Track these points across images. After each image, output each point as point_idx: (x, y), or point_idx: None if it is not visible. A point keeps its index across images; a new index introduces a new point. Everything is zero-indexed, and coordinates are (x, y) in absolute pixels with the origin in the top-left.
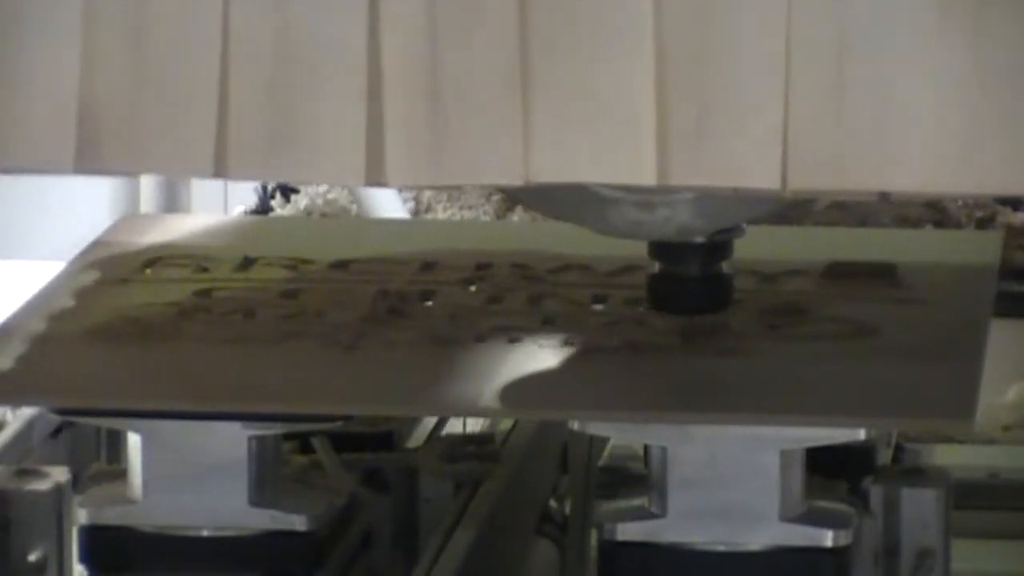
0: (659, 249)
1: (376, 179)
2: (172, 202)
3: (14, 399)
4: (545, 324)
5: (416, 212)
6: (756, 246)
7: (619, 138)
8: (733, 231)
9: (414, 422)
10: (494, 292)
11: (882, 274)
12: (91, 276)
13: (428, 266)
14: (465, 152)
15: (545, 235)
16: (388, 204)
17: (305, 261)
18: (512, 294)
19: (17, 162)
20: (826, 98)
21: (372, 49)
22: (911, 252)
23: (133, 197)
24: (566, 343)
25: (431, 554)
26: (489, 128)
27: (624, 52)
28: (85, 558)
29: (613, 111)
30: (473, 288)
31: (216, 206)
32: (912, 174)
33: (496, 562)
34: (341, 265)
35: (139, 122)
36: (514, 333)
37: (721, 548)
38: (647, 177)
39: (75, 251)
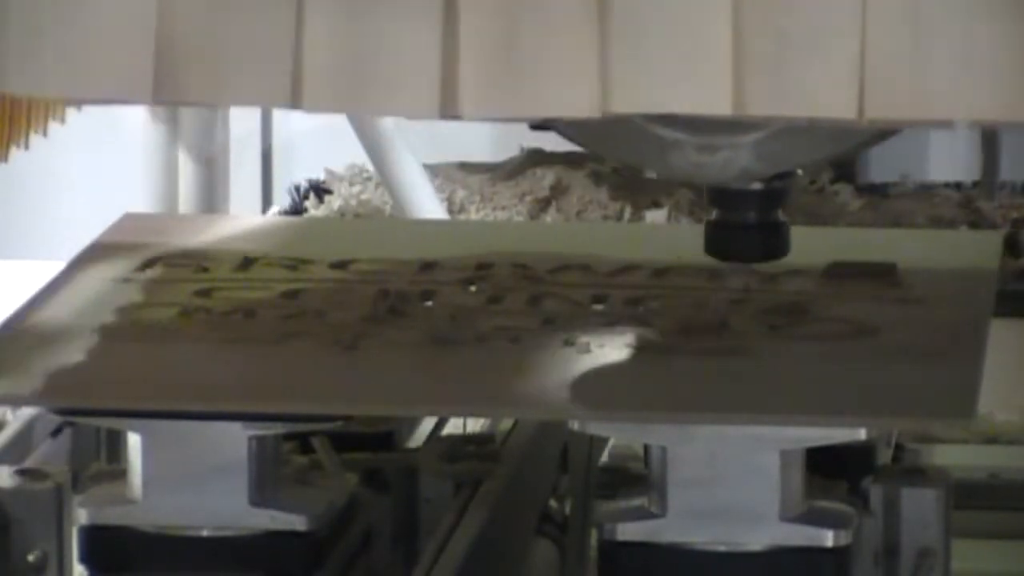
0: (717, 195)
1: (450, 112)
2: (210, 203)
3: (14, 399)
4: (545, 324)
5: (449, 213)
6: None
7: (695, 68)
8: (789, 176)
9: (414, 422)
10: (494, 292)
11: (882, 274)
12: (91, 276)
13: (428, 266)
14: (540, 85)
15: (545, 235)
16: (426, 204)
17: (305, 261)
18: (512, 294)
19: (96, 94)
20: (904, 26)
21: None
22: (911, 252)
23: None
24: (566, 343)
25: (431, 554)
26: (564, 60)
27: None
28: (85, 558)
29: (689, 41)
30: (473, 288)
31: (253, 207)
32: (991, 102)
33: (496, 562)
34: (341, 265)
35: (216, 52)
36: (514, 333)
37: (721, 548)
38: (723, 107)
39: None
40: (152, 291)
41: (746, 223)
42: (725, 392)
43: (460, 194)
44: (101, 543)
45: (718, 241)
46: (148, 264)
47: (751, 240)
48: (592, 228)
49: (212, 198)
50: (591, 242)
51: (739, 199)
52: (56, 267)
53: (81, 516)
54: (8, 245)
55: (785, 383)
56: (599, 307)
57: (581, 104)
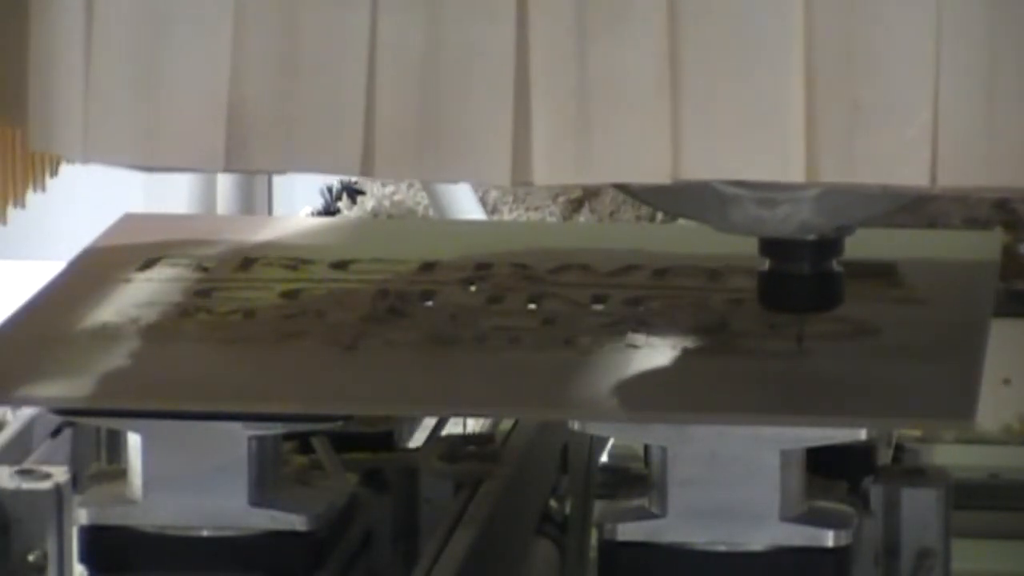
0: (770, 246)
1: (522, 178)
2: (248, 204)
3: (14, 399)
4: (545, 324)
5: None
6: (755, 245)
7: (768, 135)
8: (846, 228)
9: (414, 422)
10: (494, 292)
11: (882, 274)
12: (91, 276)
13: (428, 266)
14: (612, 151)
15: (545, 235)
16: (465, 205)
17: (305, 261)
18: (512, 294)
19: (168, 162)
20: (976, 95)
21: (520, 47)
22: (911, 252)
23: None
24: (566, 343)
25: (431, 554)
26: (636, 126)
27: (774, 49)
28: (85, 558)
29: (762, 108)
30: (473, 288)
31: (288, 208)
32: None
33: (496, 562)
34: (341, 265)
35: (288, 122)
36: (514, 333)
37: (721, 548)
38: (796, 175)
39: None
40: (152, 291)
41: (800, 273)
42: (725, 392)
43: (493, 195)
44: (101, 543)
45: (772, 291)
46: (148, 264)
47: (805, 290)
48: (592, 228)
49: (251, 198)
50: (591, 242)
51: (793, 250)
52: (56, 267)
53: (81, 516)
54: (8, 245)
55: (785, 383)
56: (599, 307)
57: (653, 170)
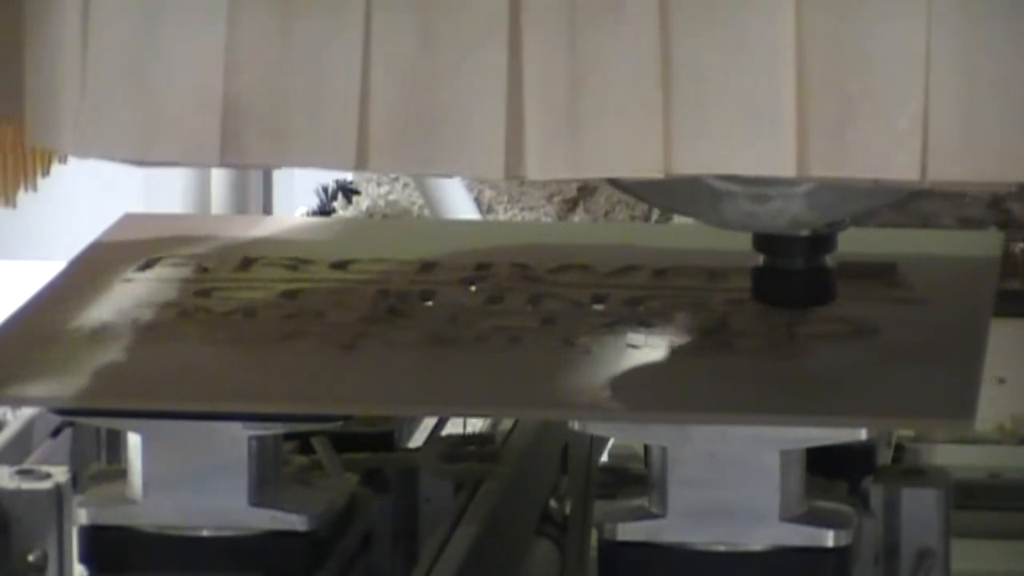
0: (764, 241)
1: (515, 172)
2: (243, 204)
3: (14, 399)
4: (545, 324)
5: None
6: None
7: (759, 130)
8: (838, 224)
9: (414, 422)
10: (494, 292)
11: (882, 274)
12: (91, 276)
13: (428, 266)
14: (604, 145)
15: (545, 235)
16: (460, 205)
17: (305, 261)
18: (512, 294)
19: (162, 157)
20: (967, 88)
21: (513, 42)
22: (911, 252)
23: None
24: (566, 343)
25: (431, 554)
26: (628, 121)
27: (765, 43)
28: (85, 558)
29: (753, 102)
30: (473, 288)
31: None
32: None
33: (496, 562)
34: (341, 265)
35: (282, 116)
36: (514, 333)
37: (721, 548)
38: (787, 169)
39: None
40: (152, 291)
41: (793, 269)
42: (725, 392)
43: (488, 195)
44: (101, 543)
45: (765, 286)
46: (148, 264)
47: (798, 285)
48: (591, 228)
49: (245, 198)
50: (590, 241)
51: (786, 245)
52: (56, 267)
53: (81, 516)
54: (8, 245)
55: (785, 383)
56: (599, 307)
57: (645, 165)
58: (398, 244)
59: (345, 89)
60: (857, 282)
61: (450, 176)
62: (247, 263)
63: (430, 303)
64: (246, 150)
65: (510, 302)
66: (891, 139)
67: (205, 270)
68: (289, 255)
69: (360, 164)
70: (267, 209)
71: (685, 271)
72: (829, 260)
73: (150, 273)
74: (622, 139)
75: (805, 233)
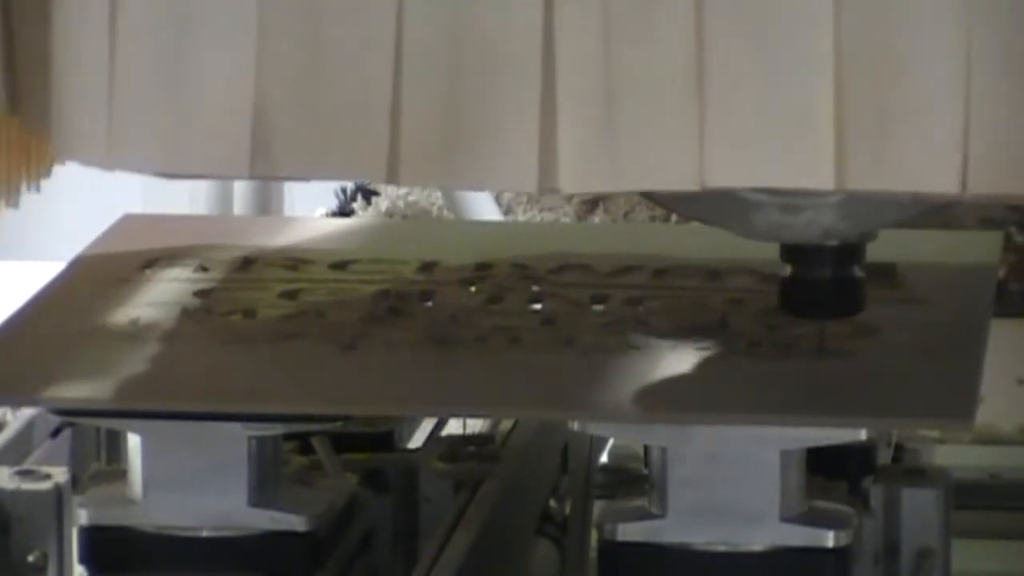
0: (792, 252)
1: (548, 184)
2: (264, 205)
3: (14, 399)
4: (545, 324)
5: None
6: (755, 245)
7: (797, 142)
8: (870, 234)
9: (414, 422)
10: (494, 292)
11: (882, 274)
12: (91, 276)
13: (428, 266)
14: (639, 157)
15: (545, 235)
16: (481, 205)
17: (305, 261)
18: (512, 294)
19: (192, 169)
20: (1008, 99)
21: (546, 53)
22: (911, 252)
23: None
24: (566, 343)
25: (431, 554)
26: (664, 133)
27: (803, 54)
28: (85, 558)
29: (791, 114)
30: (473, 288)
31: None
32: None
33: (496, 562)
34: (341, 265)
35: (313, 127)
36: (514, 333)
37: (721, 548)
38: (825, 182)
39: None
40: (152, 291)
41: (822, 279)
42: (725, 392)
43: (507, 195)
44: (101, 543)
45: (794, 297)
46: (148, 264)
47: (827, 296)
48: (592, 228)
49: (267, 199)
50: (591, 242)
51: (815, 255)
52: (56, 267)
53: (81, 516)
54: (8, 245)
55: (785, 383)
56: (599, 307)
57: (680, 177)
58: (398, 244)
59: (377, 101)
60: None
61: (483, 190)
62: (247, 263)
63: (430, 303)
64: (276, 162)
65: (510, 302)
66: (931, 151)
67: (205, 270)
68: (289, 255)
69: (391, 177)
70: (286, 210)
71: (685, 271)
72: (858, 270)
73: (150, 273)
74: (657, 151)
75: (834, 243)
